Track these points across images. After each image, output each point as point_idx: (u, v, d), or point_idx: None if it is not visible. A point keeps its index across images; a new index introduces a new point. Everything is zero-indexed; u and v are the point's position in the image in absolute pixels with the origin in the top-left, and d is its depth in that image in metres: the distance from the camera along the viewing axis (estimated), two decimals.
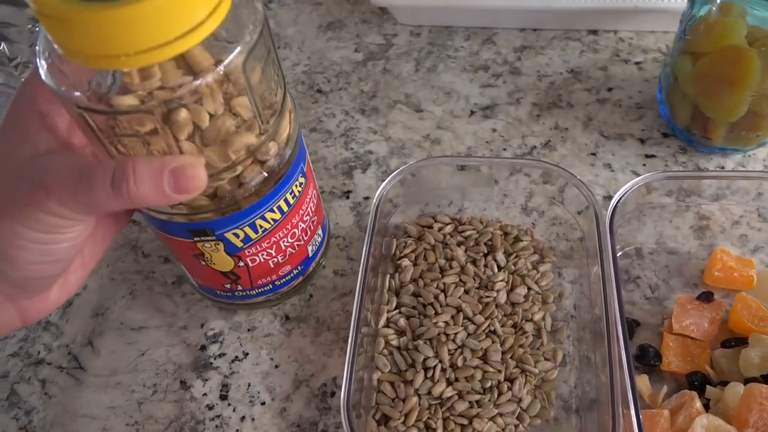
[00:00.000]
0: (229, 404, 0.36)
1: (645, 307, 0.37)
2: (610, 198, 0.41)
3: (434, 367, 0.34)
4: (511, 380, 0.34)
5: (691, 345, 0.35)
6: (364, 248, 0.36)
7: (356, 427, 0.30)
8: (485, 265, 0.38)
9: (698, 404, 0.31)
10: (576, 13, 0.52)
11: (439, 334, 0.35)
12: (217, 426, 0.35)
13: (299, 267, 0.37)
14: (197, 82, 0.25)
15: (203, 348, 0.39)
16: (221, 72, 0.25)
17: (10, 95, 0.50)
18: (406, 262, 0.38)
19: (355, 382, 0.33)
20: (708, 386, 0.33)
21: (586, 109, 0.48)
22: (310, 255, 0.38)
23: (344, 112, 0.50)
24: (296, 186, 0.33)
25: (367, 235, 0.37)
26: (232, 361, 0.38)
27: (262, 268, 0.35)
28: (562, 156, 0.45)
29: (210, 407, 0.36)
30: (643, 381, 0.34)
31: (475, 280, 0.37)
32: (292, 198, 0.33)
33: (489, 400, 0.33)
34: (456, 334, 0.35)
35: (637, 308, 0.37)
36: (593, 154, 0.45)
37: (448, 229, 0.40)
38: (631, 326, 0.36)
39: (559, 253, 0.40)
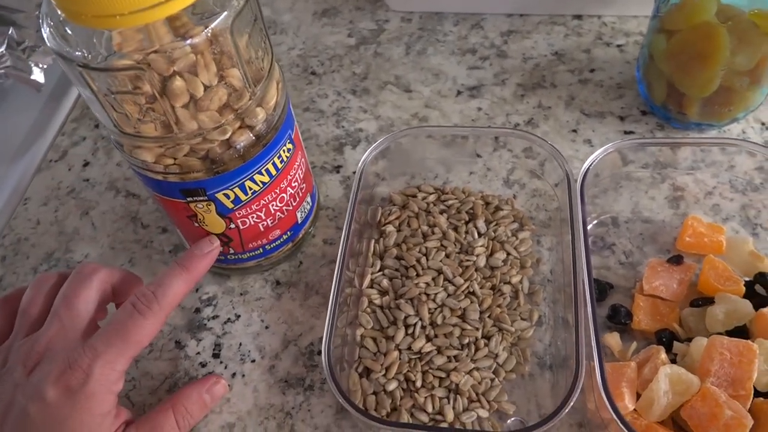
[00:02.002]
0: (221, 362, 0.38)
1: (619, 271, 0.39)
2: None
3: (415, 324, 0.36)
4: (488, 337, 0.36)
5: (661, 305, 0.36)
6: (349, 205, 0.38)
7: (335, 370, 0.32)
8: (466, 232, 0.40)
9: (663, 356, 0.33)
10: None
11: (420, 294, 0.37)
12: None
13: (288, 232, 0.39)
14: (188, 42, 0.27)
15: (197, 311, 0.40)
16: (209, 34, 0.28)
17: (18, 77, 0.52)
18: (390, 228, 0.40)
19: (339, 338, 0.35)
20: (675, 342, 0.34)
21: (568, 89, 0.50)
22: (299, 221, 0.40)
23: (336, 93, 0.52)
24: (284, 151, 0.35)
25: (351, 194, 0.39)
26: (225, 323, 0.40)
27: (252, 230, 0.37)
28: (545, 132, 0.47)
29: (203, 365, 0.38)
30: (614, 338, 0.35)
31: (456, 245, 0.39)
32: (281, 162, 0.35)
33: (466, 356, 0.35)
34: (436, 294, 0.37)
35: (612, 272, 0.39)
36: (574, 130, 0.47)
37: (432, 198, 0.42)
38: (605, 288, 0.38)
39: (539, 222, 0.42)
